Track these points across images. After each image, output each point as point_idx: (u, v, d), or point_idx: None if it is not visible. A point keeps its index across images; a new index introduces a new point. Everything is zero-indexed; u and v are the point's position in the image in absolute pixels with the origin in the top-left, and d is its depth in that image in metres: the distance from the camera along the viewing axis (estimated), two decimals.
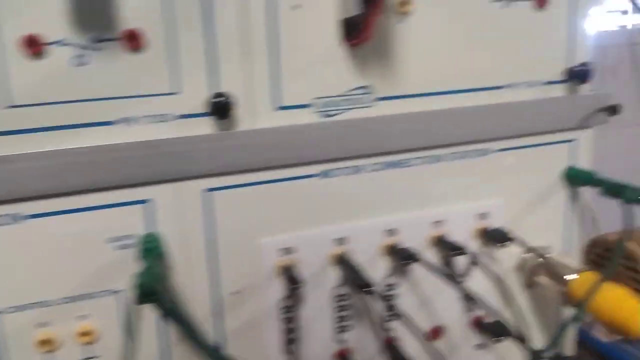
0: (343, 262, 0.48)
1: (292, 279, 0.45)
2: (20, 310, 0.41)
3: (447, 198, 0.51)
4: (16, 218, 0.39)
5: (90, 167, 0.39)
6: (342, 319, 0.50)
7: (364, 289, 0.45)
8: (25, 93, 0.38)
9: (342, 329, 0.50)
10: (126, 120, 0.40)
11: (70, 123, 0.39)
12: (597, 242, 0.73)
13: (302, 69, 0.44)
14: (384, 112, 0.47)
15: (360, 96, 0.46)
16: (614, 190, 0.51)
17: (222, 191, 0.44)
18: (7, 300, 0.40)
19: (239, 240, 0.45)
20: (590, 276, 0.48)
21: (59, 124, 0.39)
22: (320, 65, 0.45)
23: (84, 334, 0.43)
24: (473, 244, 0.52)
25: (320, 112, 0.45)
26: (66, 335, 0.42)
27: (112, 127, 0.40)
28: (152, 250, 0.41)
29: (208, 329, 0.46)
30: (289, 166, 0.45)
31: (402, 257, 0.48)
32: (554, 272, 0.52)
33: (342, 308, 0.50)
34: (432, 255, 0.51)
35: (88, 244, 0.41)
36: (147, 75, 0.40)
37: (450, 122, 0.49)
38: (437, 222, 0.51)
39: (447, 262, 0.52)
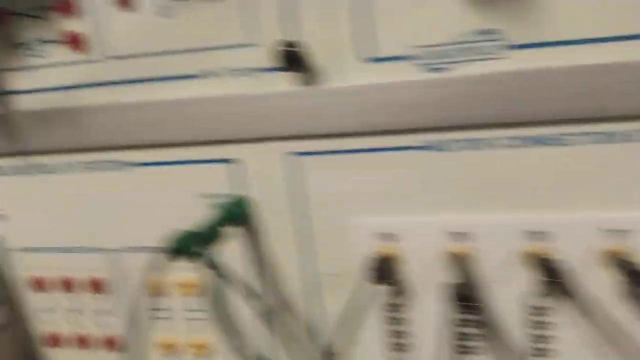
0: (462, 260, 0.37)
1: (384, 272, 0.37)
2: (133, 252, 0.44)
3: (628, 196, 0.34)
4: (119, 165, 0.42)
5: (177, 122, 0.39)
6: (463, 337, 0.39)
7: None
8: (120, 44, 0.39)
9: (462, 351, 0.39)
10: (208, 74, 0.39)
11: (157, 75, 0.40)
12: None
13: (401, 8, 0.35)
14: (521, 66, 0.33)
15: (484, 44, 0.34)
16: None
17: (312, 156, 0.38)
18: (120, 240, 0.44)
19: (332, 216, 0.39)
20: None
21: (150, 76, 0.40)
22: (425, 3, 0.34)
23: (184, 285, 0.44)
24: None
25: (425, 66, 0.35)
26: (168, 285, 0.44)
27: (193, 81, 0.39)
28: (230, 211, 0.39)
29: (305, 307, 0.42)
30: (391, 133, 0.36)
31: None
32: None
33: (464, 323, 0.39)
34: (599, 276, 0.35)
35: (182, 198, 0.42)
36: (228, 26, 0.37)
37: (630, 80, 0.32)
38: (612, 231, 0.34)
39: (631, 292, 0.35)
